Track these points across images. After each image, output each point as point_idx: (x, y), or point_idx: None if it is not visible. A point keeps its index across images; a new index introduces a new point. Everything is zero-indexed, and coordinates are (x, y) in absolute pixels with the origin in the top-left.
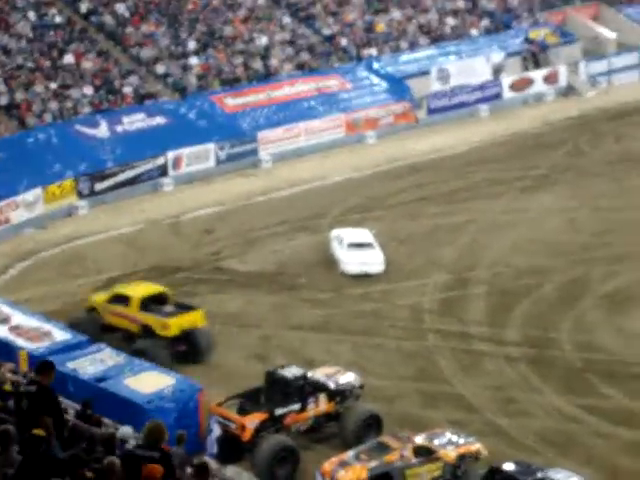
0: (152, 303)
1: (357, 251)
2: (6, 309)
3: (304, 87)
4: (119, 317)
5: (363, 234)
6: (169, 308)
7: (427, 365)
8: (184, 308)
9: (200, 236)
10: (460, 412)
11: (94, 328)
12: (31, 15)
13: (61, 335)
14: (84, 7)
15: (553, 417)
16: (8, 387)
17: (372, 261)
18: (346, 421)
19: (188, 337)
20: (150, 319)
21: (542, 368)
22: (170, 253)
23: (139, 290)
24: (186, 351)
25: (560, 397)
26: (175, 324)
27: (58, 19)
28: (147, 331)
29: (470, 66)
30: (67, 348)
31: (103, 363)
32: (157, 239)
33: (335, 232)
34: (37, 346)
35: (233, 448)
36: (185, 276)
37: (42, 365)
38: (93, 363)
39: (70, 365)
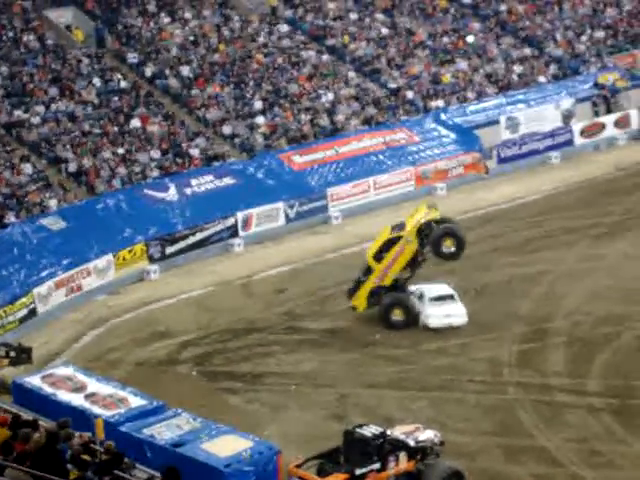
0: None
1: (440, 305)
2: (81, 377)
3: (372, 142)
4: None
5: (443, 288)
6: None
7: (508, 419)
8: None
9: (272, 296)
10: (544, 466)
11: None
12: (96, 81)
13: (137, 401)
14: (149, 71)
15: None
16: (86, 456)
17: (455, 313)
18: (428, 479)
19: None
20: None
21: (626, 418)
22: (243, 314)
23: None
24: None
25: None
26: None
27: (123, 84)
28: None
29: (539, 113)
30: (143, 414)
31: (180, 428)
32: (229, 300)
33: (413, 287)
34: (113, 413)
35: None
36: (259, 337)
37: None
38: (170, 428)
39: (146, 431)
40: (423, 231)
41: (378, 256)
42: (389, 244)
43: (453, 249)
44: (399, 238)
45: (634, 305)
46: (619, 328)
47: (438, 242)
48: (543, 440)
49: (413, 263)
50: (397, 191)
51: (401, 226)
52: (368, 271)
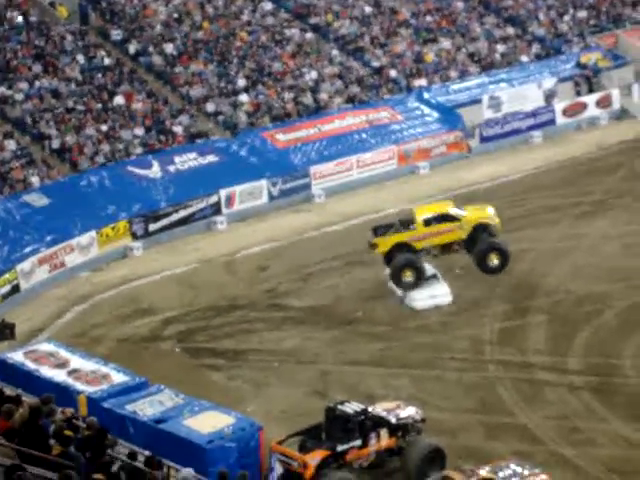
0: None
1: (424, 286)
2: (64, 353)
3: (355, 120)
4: None
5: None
6: None
7: (489, 396)
8: None
9: (255, 273)
10: (524, 443)
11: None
12: (80, 58)
13: (119, 377)
14: (132, 48)
15: (619, 445)
16: (69, 432)
17: (440, 293)
18: (409, 456)
19: None
20: None
21: (606, 396)
22: (225, 291)
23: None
24: None
25: (626, 425)
26: None
27: (107, 61)
28: None
29: (522, 93)
30: (126, 390)
31: (162, 404)
32: (212, 278)
33: None
34: (96, 389)
35: None
36: (241, 314)
37: None
38: (152, 404)
39: (129, 407)
40: (478, 228)
41: (428, 221)
42: (444, 218)
43: (497, 263)
44: (456, 220)
45: (615, 283)
46: (600, 306)
47: (484, 256)
48: (523, 418)
49: (446, 247)
50: (380, 169)
51: (461, 211)
52: (407, 223)
